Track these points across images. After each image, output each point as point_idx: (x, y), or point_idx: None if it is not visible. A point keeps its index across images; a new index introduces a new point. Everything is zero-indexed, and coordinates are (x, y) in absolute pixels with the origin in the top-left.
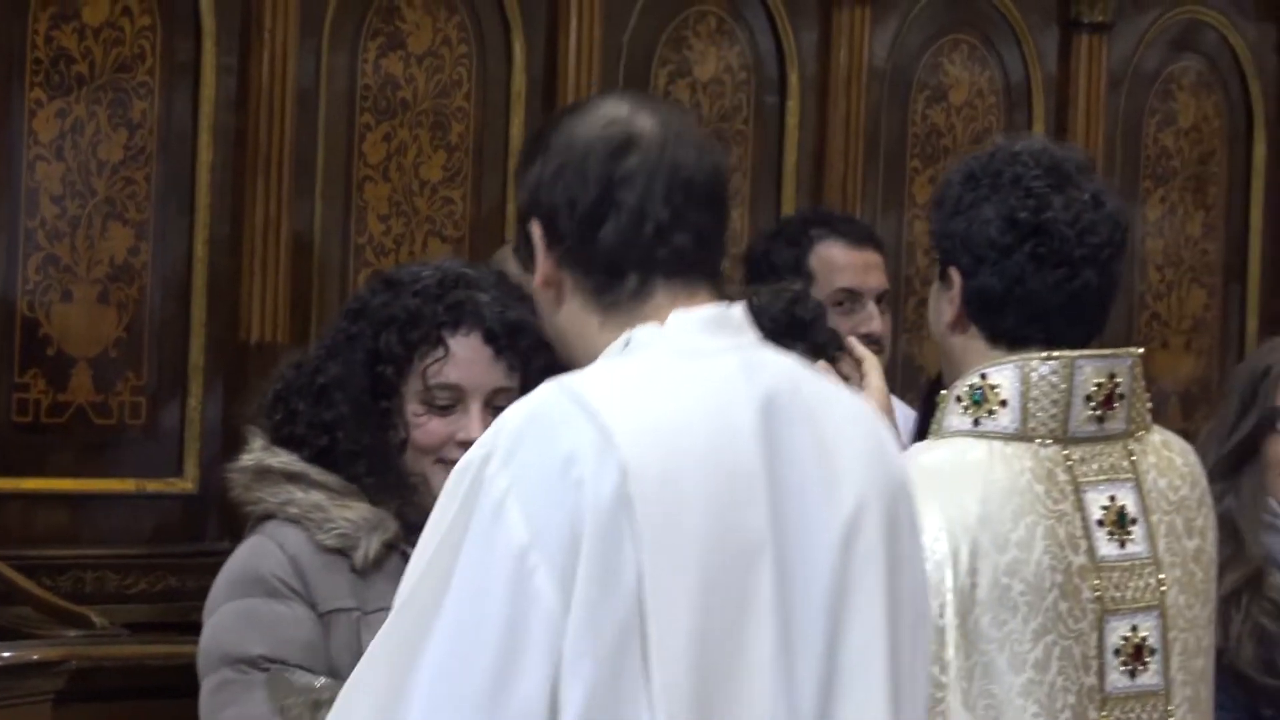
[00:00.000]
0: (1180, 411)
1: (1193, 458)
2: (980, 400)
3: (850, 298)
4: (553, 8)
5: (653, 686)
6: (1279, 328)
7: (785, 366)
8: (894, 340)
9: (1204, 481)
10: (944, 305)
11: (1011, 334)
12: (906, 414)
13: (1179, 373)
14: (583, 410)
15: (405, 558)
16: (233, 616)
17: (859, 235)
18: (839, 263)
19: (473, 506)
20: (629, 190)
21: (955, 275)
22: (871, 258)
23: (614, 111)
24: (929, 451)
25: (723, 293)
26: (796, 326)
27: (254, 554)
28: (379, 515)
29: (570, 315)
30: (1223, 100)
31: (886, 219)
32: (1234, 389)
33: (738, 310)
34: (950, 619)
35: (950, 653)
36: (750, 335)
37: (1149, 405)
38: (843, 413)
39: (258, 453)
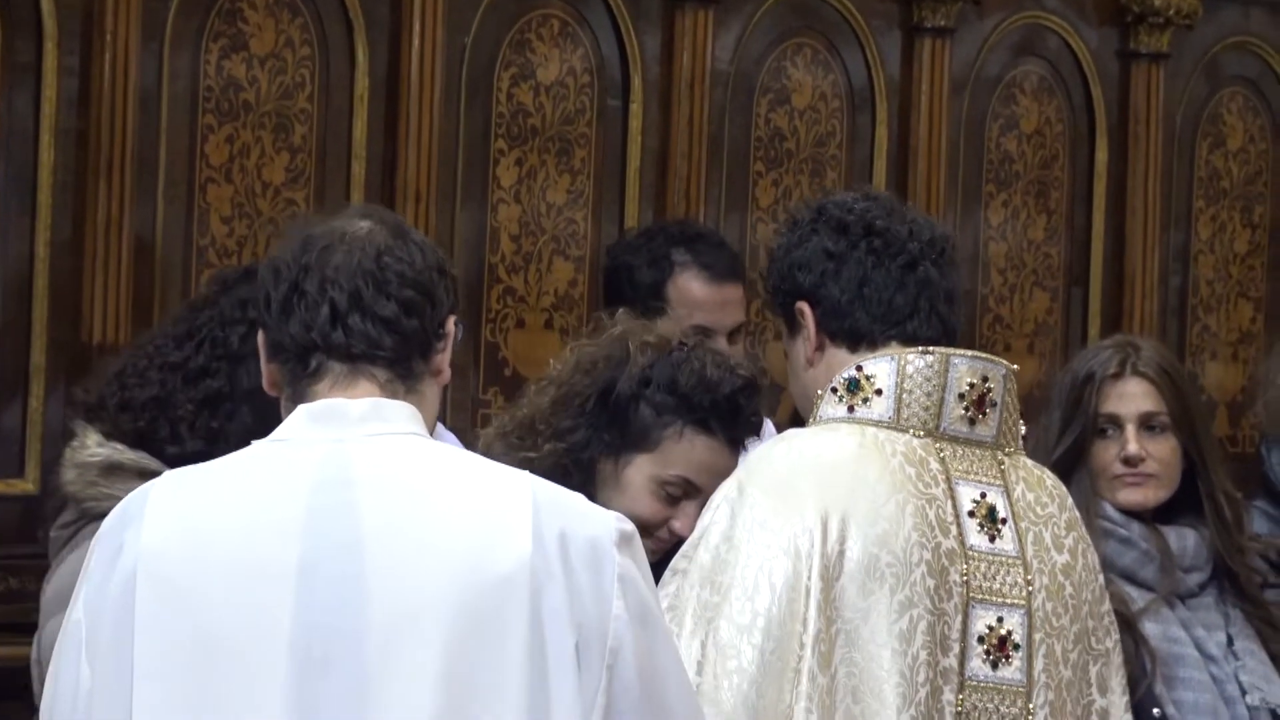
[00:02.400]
0: (1024, 415)
1: (1064, 489)
2: (855, 389)
3: (703, 334)
4: (396, 10)
5: None
6: (1120, 331)
7: (373, 459)
8: (742, 350)
9: (1075, 512)
10: (798, 348)
11: (869, 336)
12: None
13: (1021, 376)
14: (142, 504)
15: None
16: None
17: (722, 269)
18: (697, 298)
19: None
20: (311, 281)
21: (804, 308)
22: (731, 293)
23: (324, 222)
24: (802, 435)
25: (396, 386)
26: (733, 416)
27: None
28: None
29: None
30: (1065, 105)
31: (730, 223)
32: (1056, 396)
33: (361, 404)
34: (815, 584)
35: (812, 613)
36: (365, 428)
37: (1021, 430)
38: (431, 506)
39: (97, 449)
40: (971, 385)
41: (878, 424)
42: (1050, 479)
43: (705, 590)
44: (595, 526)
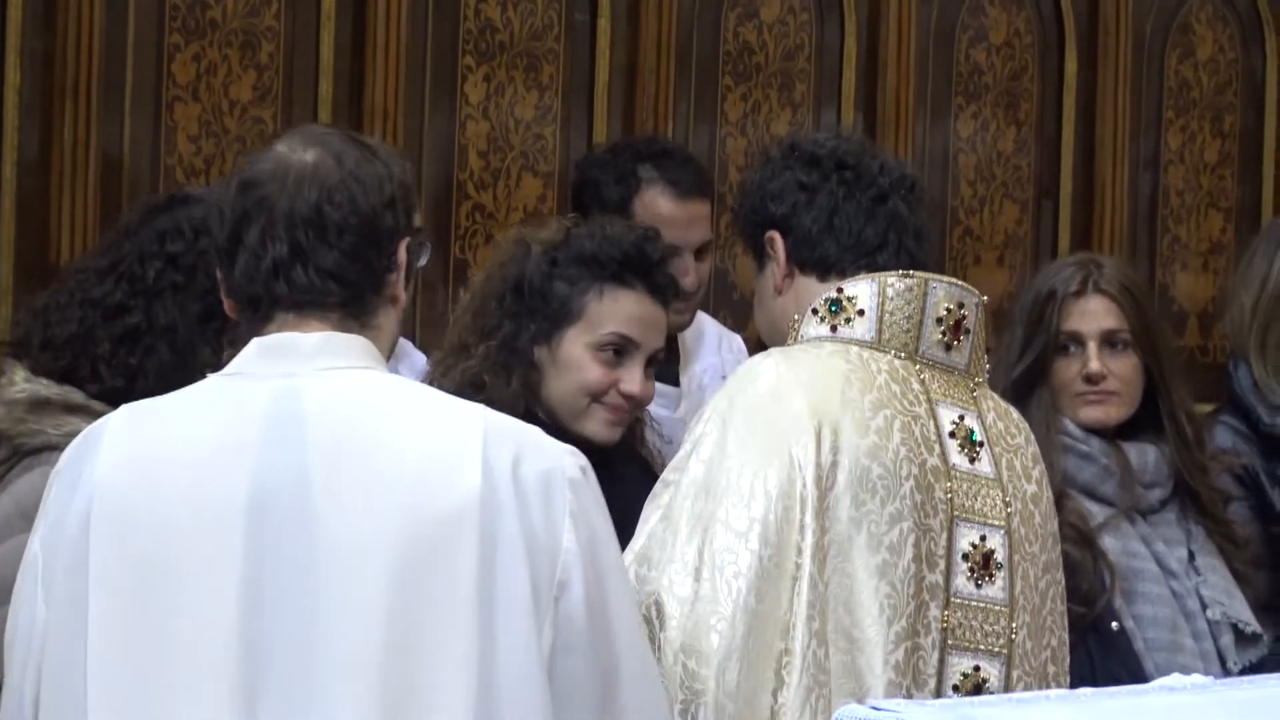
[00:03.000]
0: (993, 326)
1: (1027, 425)
2: (837, 310)
3: (670, 250)
4: None
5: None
6: (1090, 243)
7: (323, 394)
8: (709, 267)
9: (1037, 446)
10: (767, 278)
11: (839, 266)
12: (729, 339)
13: (992, 288)
14: (98, 438)
15: None
16: None
17: (688, 185)
18: (663, 214)
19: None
20: (251, 231)
21: (775, 237)
22: (697, 209)
23: (269, 150)
24: (789, 351)
25: (350, 323)
26: (643, 263)
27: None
28: None
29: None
30: (1034, 15)
31: (698, 137)
32: (1019, 314)
33: (313, 339)
34: (810, 492)
35: (809, 520)
36: (316, 362)
37: (986, 364)
38: (380, 441)
39: (24, 384)
40: (949, 310)
41: (860, 343)
42: (1016, 414)
43: (700, 499)
44: (548, 459)
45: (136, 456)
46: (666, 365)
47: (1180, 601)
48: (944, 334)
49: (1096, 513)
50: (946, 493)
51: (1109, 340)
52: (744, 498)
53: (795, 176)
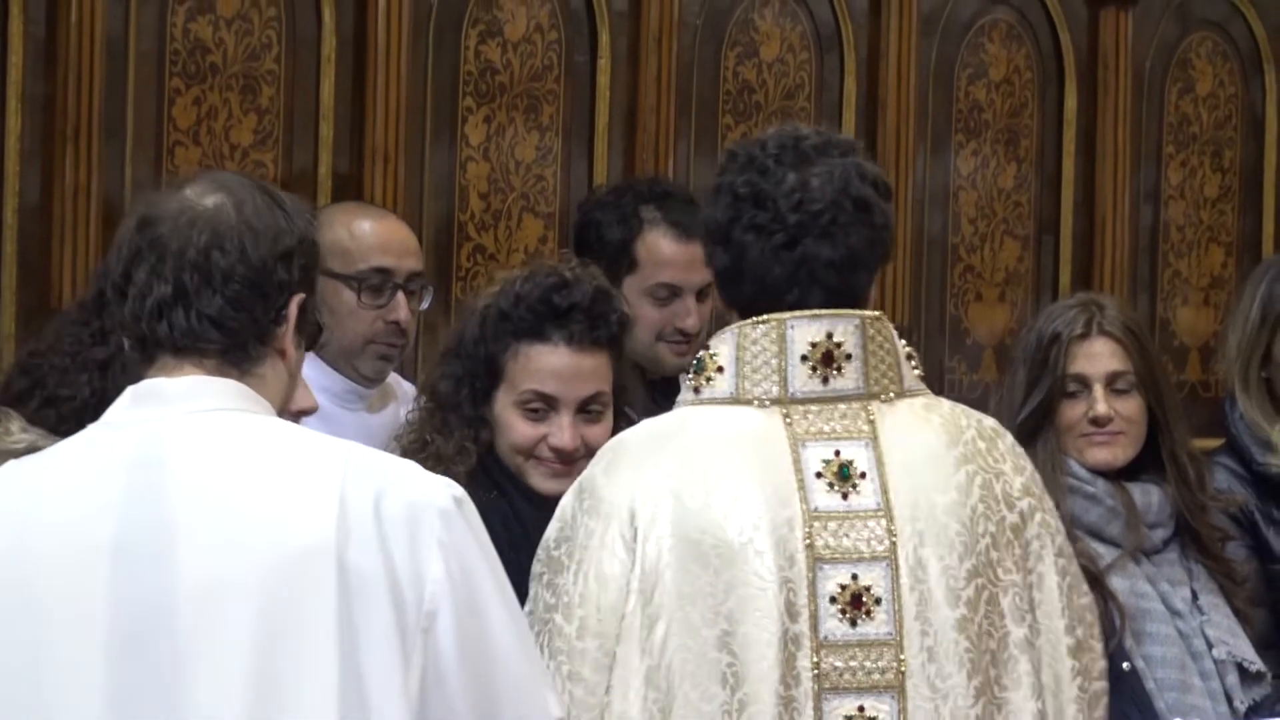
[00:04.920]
0: (995, 363)
1: (964, 420)
2: (700, 369)
3: (671, 291)
4: None
5: None
6: (1091, 278)
7: (186, 437)
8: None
9: (978, 443)
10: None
11: (753, 308)
12: None
13: (994, 325)
14: None
15: None
16: None
17: (690, 227)
18: (665, 256)
19: None
20: (140, 268)
21: (710, 263)
22: (699, 251)
23: (176, 191)
24: (642, 425)
25: (229, 369)
26: (553, 314)
27: None
28: None
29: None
30: (1033, 51)
31: (699, 177)
32: (1021, 355)
33: (180, 383)
34: (636, 574)
35: (630, 606)
36: (183, 405)
37: (916, 370)
38: (240, 481)
39: (21, 434)
40: (813, 345)
41: (721, 401)
42: (941, 416)
43: (547, 592)
44: (415, 492)
45: (7, 511)
46: (669, 405)
47: (1187, 641)
48: (813, 369)
49: (1103, 554)
50: (805, 539)
51: (1114, 382)
52: (577, 591)
53: (714, 214)
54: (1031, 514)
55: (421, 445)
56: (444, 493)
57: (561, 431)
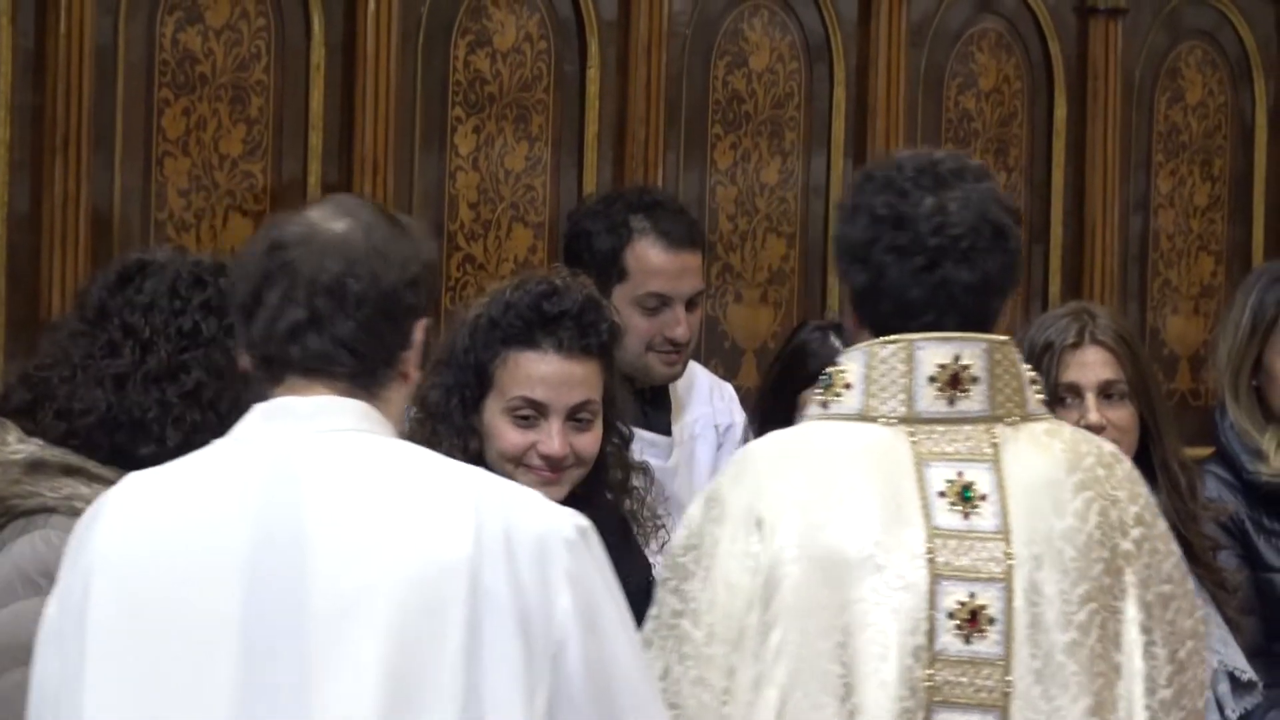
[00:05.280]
0: None
1: (1085, 447)
2: (828, 385)
3: (660, 301)
4: None
5: None
6: (1081, 287)
7: (320, 456)
8: (700, 317)
9: (1098, 470)
10: (847, 311)
11: (887, 327)
12: (721, 388)
13: None
14: (99, 508)
15: None
16: (35, 611)
17: (679, 236)
18: (654, 265)
19: None
20: (272, 291)
21: (847, 280)
22: (689, 261)
23: (301, 215)
24: (769, 437)
25: (358, 392)
26: (542, 320)
27: (51, 548)
28: None
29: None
30: (1023, 61)
31: (689, 186)
32: None
33: (311, 402)
34: (760, 585)
35: (753, 617)
36: (314, 424)
37: (1039, 395)
38: (375, 502)
39: (19, 445)
40: (941, 366)
41: (848, 417)
42: (1063, 442)
43: (674, 598)
44: (544, 524)
45: (136, 523)
46: (659, 415)
47: None
48: (940, 390)
49: None
50: (926, 555)
51: (1106, 391)
52: (707, 598)
53: (854, 234)
54: (1142, 543)
55: None
56: (570, 523)
57: (551, 439)
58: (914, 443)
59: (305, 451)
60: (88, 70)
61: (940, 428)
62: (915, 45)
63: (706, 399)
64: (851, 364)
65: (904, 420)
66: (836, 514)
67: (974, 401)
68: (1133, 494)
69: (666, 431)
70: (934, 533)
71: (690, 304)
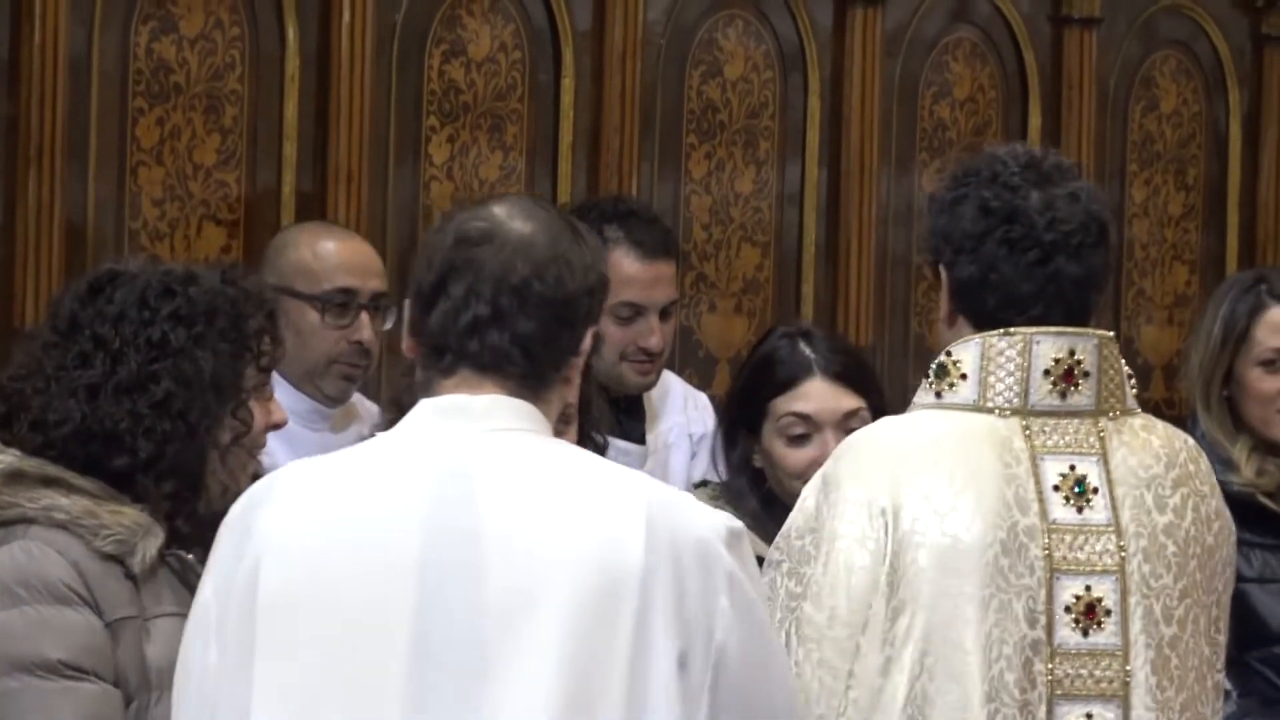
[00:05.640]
0: None
1: (1178, 443)
2: (942, 375)
3: (634, 310)
4: None
5: None
6: None
7: (494, 454)
8: (674, 326)
9: (1189, 466)
10: (941, 301)
11: (993, 319)
12: (695, 397)
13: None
14: (268, 493)
15: (173, 564)
16: (22, 622)
17: (653, 245)
18: (628, 275)
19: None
20: (457, 284)
21: (942, 271)
22: (663, 270)
23: (487, 210)
24: (887, 424)
25: (525, 393)
26: None
27: (31, 559)
28: (149, 520)
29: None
30: (998, 71)
31: (663, 195)
32: None
33: (482, 401)
34: (885, 570)
35: (878, 600)
36: (486, 423)
37: (1134, 389)
38: (548, 502)
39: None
40: (1056, 360)
41: (963, 407)
42: (1159, 439)
43: (790, 581)
44: (706, 527)
45: (307, 510)
46: (633, 424)
47: None
48: (1054, 384)
49: None
50: (1043, 549)
51: None
52: (828, 583)
53: (963, 224)
54: (1223, 536)
55: None
56: (727, 526)
57: None
58: (1028, 435)
59: (478, 450)
60: (62, 80)
61: (1051, 421)
62: (890, 54)
63: (681, 408)
64: (966, 354)
65: (1017, 412)
66: (960, 503)
67: (1084, 396)
68: (1213, 487)
69: (641, 440)
70: (1051, 527)
71: (664, 313)
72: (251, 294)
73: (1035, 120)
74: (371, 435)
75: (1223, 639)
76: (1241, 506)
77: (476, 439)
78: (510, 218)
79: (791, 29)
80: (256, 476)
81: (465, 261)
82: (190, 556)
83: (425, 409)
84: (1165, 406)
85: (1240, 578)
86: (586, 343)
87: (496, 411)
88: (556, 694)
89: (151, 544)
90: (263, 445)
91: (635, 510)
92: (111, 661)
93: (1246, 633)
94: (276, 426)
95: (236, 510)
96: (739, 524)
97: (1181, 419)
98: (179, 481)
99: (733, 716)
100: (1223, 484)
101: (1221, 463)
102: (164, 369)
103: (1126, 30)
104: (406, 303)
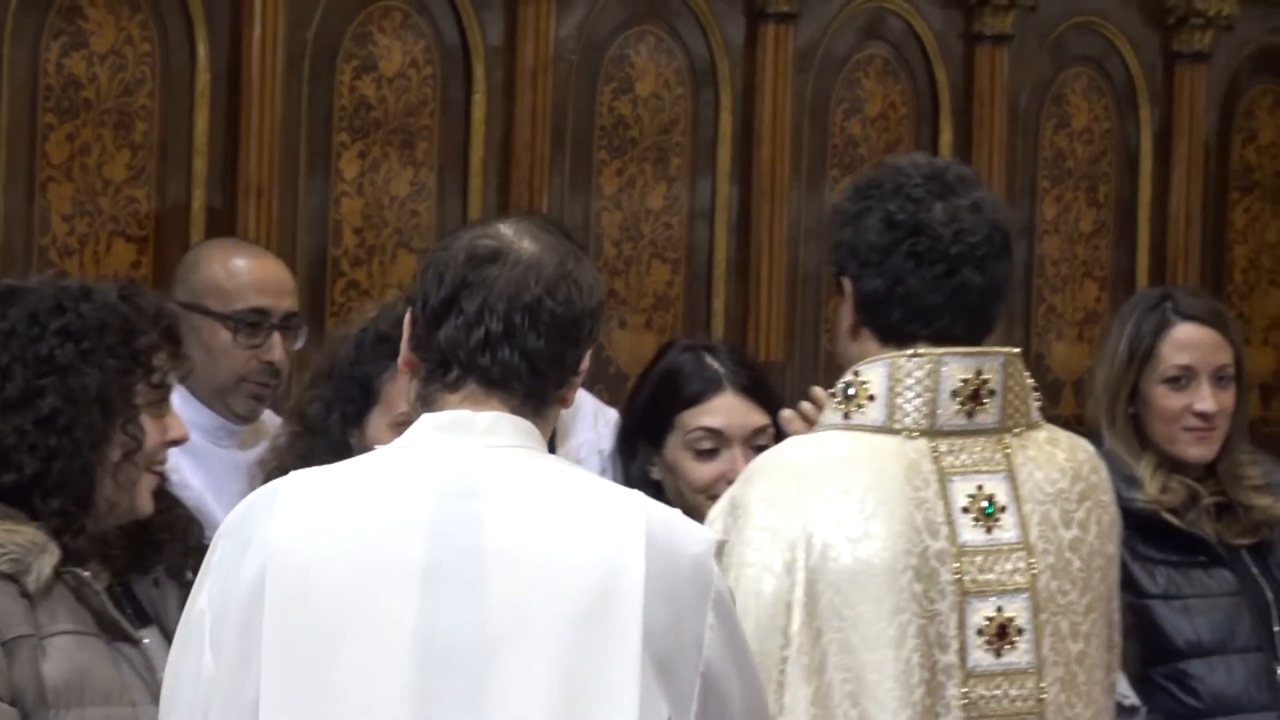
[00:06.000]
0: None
1: (1082, 455)
2: (851, 395)
3: None
4: (236, 4)
5: None
6: None
7: (496, 470)
8: None
9: (1092, 477)
10: (843, 314)
11: (899, 332)
12: (605, 413)
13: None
14: (272, 501)
15: (69, 581)
16: None
17: None
18: None
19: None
20: (470, 300)
21: (847, 283)
22: None
23: (494, 229)
24: (795, 446)
25: (526, 410)
26: (385, 340)
27: None
28: (44, 539)
29: (412, 394)
30: (909, 87)
31: (574, 211)
32: None
33: (485, 417)
34: (799, 597)
35: (795, 628)
36: (488, 439)
37: (1038, 402)
38: (550, 518)
39: None
40: (964, 381)
41: (871, 429)
42: (1064, 453)
43: None
44: (696, 542)
45: (311, 521)
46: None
47: None
48: (962, 404)
49: None
50: (954, 573)
51: None
52: (739, 607)
53: (868, 238)
54: (1119, 547)
55: (283, 472)
56: (716, 540)
57: None
58: (936, 457)
59: (481, 465)
60: None
61: (958, 441)
62: (801, 70)
63: (591, 424)
64: (873, 375)
65: (925, 433)
66: (871, 528)
67: (990, 415)
68: (1112, 495)
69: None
70: (961, 550)
71: None
72: (146, 310)
73: (947, 137)
74: (273, 447)
75: (1119, 640)
76: (1146, 523)
77: (479, 454)
78: (519, 236)
79: (703, 45)
80: (161, 493)
81: (479, 279)
82: (87, 574)
83: (427, 424)
84: (1075, 423)
85: (1145, 594)
86: (585, 362)
87: (499, 428)
88: (557, 705)
89: (47, 562)
90: (162, 461)
91: (635, 526)
92: (8, 679)
93: (1152, 649)
94: (175, 443)
95: (234, 520)
96: (721, 537)
97: (1093, 436)
98: (66, 498)
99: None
100: (1127, 501)
101: (1126, 480)
102: (50, 385)
103: (1038, 47)
104: (405, 319)
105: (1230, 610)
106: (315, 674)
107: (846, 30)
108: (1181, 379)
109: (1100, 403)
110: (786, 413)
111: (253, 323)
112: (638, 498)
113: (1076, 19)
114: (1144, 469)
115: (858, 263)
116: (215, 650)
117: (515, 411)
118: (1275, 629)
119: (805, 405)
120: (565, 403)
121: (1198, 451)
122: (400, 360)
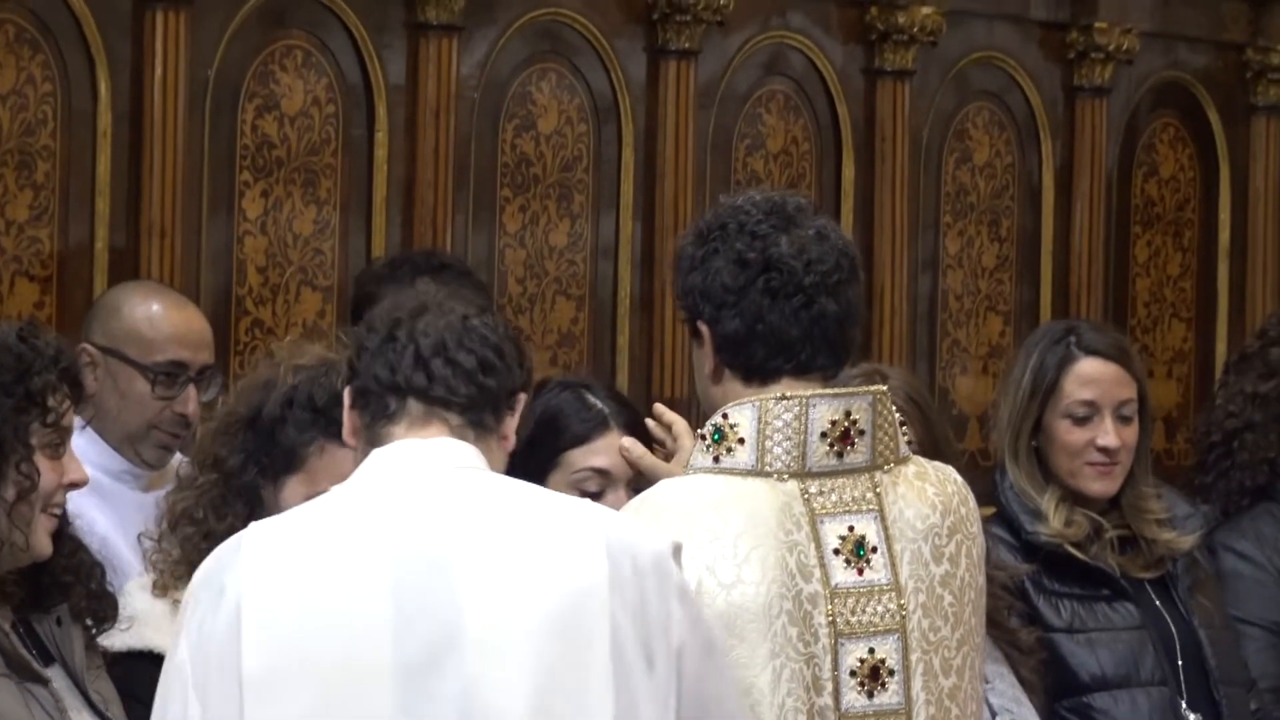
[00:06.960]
0: None
1: (951, 487)
2: (720, 439)
3: None
4: (138, 43)
5: None
6: (871, 347)
7: (449, 492)
8: None
9: (961, 509)
10: (702, 360)
11: (762, 369)
12: None
13: None
14: (236, 550)
15: None
16: None
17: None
18: None
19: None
20: (402, 331)
21: (703, 328)
22: None
23: (412, 291)
24: (667, 490)
25: (467, 431)
26: (318, 411)
27: None
28: None
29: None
30: (811, 123)
31: (477, 249)
32: None
33: (429, 444)
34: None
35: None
36: (440, 462)
37: (906, 438)
38: (510, 532)
39: None
40: (833, 423)
41: (742, 472)
42: (934, 487)
43: None
44: (654, 544)
45: (278, 562)
46: None
47: None
48: (831, 445)
49: None
50: (827, 616)
51: None
52: None
53: (720, 280)
54: (988, 578)
55: (192, 520)
56: (672, 542)
57: None
58: (807, 499)
59: (435, 490)
60: None
61: (829, 482)
62: (703, 107)
63: None
64: (742, 418)
65: (795, 475)
66: (744, 573)
67: (859, 454)
68: (980, 524)
69: None
70: (833, 593)
71: None
72: (44, 351)
73: (849, 172)
74: (181, 487)
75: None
76: (1050, 557)
77: (432, 480)
78: (438, 299)
79: (605, 82)
80: (65, 536)
81: (409, 314)
82: None
83: (374, 459)
84: (981, 457)
85: (1050, 627)
86: (519, 403)
87: (444, 453)
88: (543, 710)
89: None
90: (60, 503)
91: (594, 530)
92: None
93: (1057, 682)
94: (74, 486)
95: (205, 573)
96: (679, 540)
97: (994, 469)
98: None
99: (692, 713)
100: (1031, 534)
101: (1030, 513)
102: None
103: (940, 82)
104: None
105: (1134, 644)
106: (297, 704)
107: (748, 66)
108: (1084, 414)
109: (1004, 436)
110: (626, 441)
111: (170, 374)
112: (594, 507)
113: (978, 54)
114: (1048, 503)
115: (713, 305)
116: (201, 696)
117: (457, 435)
118: (1179, 663)
119: (650, 423)
120: (507, 441)
121: (1100, 486)
122: (345, 432)
